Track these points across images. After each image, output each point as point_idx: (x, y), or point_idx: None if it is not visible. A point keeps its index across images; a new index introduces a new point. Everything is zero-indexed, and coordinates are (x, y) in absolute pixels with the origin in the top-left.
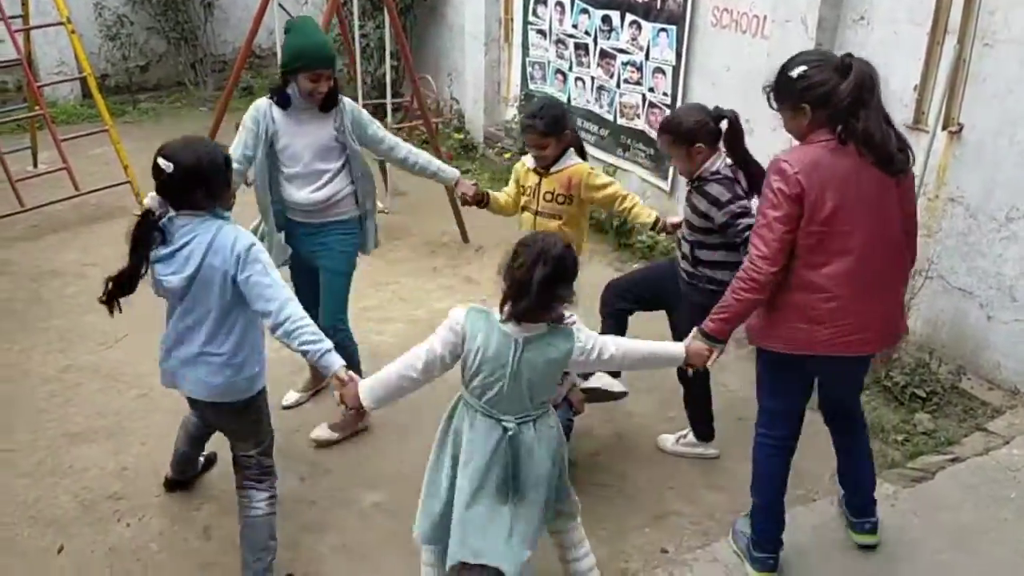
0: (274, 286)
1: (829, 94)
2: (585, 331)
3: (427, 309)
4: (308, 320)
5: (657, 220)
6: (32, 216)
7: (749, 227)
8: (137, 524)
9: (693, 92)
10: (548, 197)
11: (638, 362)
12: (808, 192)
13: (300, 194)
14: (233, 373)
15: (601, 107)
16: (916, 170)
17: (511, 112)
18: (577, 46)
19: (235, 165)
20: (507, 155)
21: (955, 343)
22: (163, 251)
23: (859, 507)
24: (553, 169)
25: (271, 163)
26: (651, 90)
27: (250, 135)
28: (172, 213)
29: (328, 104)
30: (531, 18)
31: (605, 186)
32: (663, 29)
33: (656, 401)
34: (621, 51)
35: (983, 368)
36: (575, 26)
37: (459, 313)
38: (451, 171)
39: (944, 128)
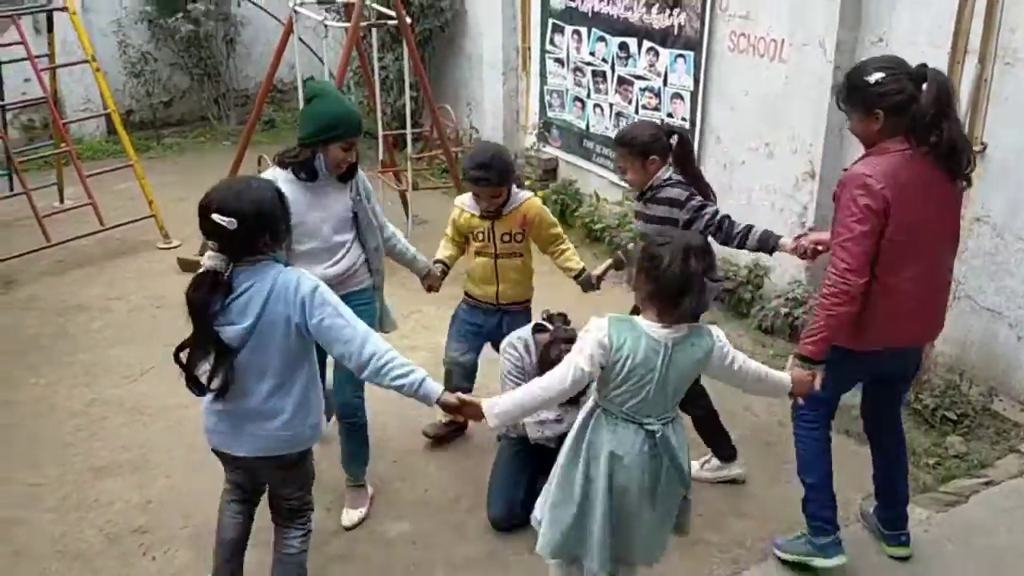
0: (349, 325)
1: (906, 103)
2: (719, 331)
3: (437, 341)
4: (393, 352)
5: (583, 271)
6: (58, 251)
7: (715, 216)
8: (163, 557)
9: (712, 117)
10: (506, 238)
11: (752, 383)
12: (893, 205)
13: (317, 270)
14: (300, 423)
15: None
16: None
17: (530, 140)
18: (595, 73)
19: None
20: (527, 182)
21: (985, 364)
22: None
23: (893, 520)
24: (506, 210)
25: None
26: (669, 115)
27: None
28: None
29: (350, 172)
30: (548, 47)
31: (555, 224)
32: (680, 55)
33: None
34: (639, 77)
35: (1015, 389)
36: (592, 54)
37: (602, 324)
38: (424, 263)
39: None
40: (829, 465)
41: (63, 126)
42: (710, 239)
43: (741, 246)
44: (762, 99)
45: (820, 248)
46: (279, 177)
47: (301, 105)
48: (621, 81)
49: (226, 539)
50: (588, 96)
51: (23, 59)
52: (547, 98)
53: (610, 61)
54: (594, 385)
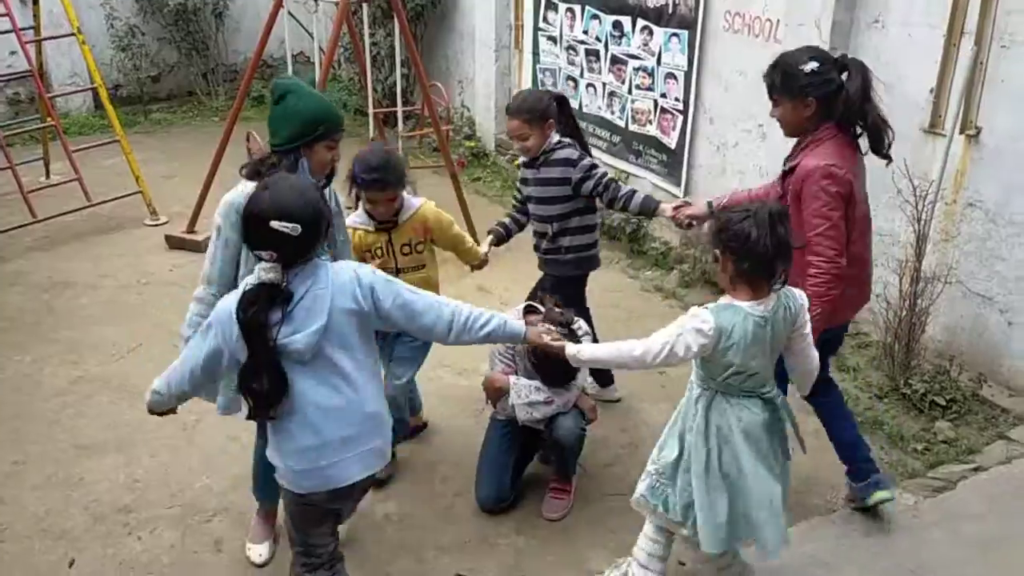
0: (419, 296)
1: (836, 91)
2: (801, 292)
3: None
4: (463, 304)
5: (482, 259)
6: (44, 227)
7: (603, 176)
8: (148, 537)
9: (705, 97)
10: (406, 250)
11: (798, 354)
12: (854, 184)
13: None
14: (389, 424)
15: (612, 113)
16: (934, 175)
17: None
18: (588, 52)
19: (214, 293)
20: (517, 162)
21: (975, 350)
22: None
23: (863, 471)
24: (403, 219)
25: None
26: (663, 95)
27: (230, 247)
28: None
29: (330, 176)
30: (541, 24)
31: (452, 223)
32: (675, 34)
33: (671, 410)
34: (632, 57)
35: (1004, 375)
36: (586, 32)
37: (706, 316)
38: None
39: (962, 132)
40: (852, 416)
41: (49, 100)
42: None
43: (624, 209)
44: (756, 80)
45: (695, 223)
46: (248, 191)
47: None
48: (615, 60)
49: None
50: (581, 75)
51: (8, 31)
52: (540, 76)
53: (604, 40)
54: (693, 375)
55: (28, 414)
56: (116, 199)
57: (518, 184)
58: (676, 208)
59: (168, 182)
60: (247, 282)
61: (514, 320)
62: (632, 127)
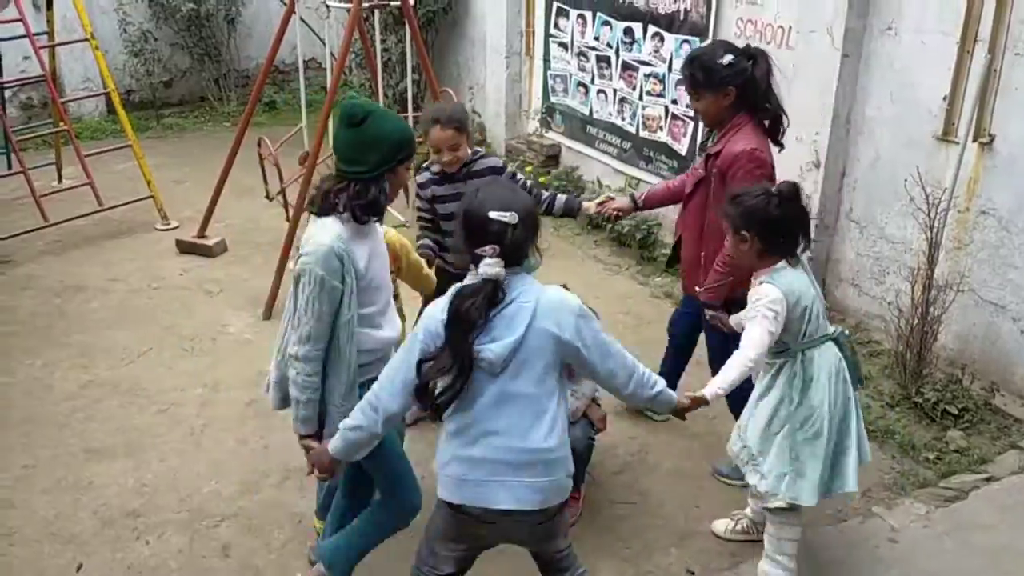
0: (611, 340)
1: (751, 79)
2: None
3: None
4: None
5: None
6: (56, 231)
7: (526, 182)
8: (156, 542)
9: None
10: None
11: None
12: (774, 167)
13: (381, 334)
14: (563, 466)
15: (623, 119)
16: (946, 182)
17: (532, 125)
18: (599, 58)
19: (319, 349)
20: (529, 168)
21: (987, 358)
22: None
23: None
24: None
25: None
26: (674, 102)
27: (334, 296)
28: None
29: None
30: (553, 31)
31: (411, 247)
32: (686, 40)
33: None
34: (643, 63)
35: (1017, 384)
36: (597, 38)
37: (770, 290)
38: None
39: (975, 139)
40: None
41: (62, 105)
42: None
43: (548, 212)
44: None
45: (620, 215)
46: (339, 231)
47: (335, 130)
48: (625, 66)
49: None
50: (592, 81)
51: (22, 36)
52: (550, 83)
53: (615, 46)
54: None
55: (39, 418)
56: (128, 204)
57: (426, 204)
58: (600, 204)
59: (179, 187)
60: (460, 285)
61: (670, 391)
62: (643, 133)
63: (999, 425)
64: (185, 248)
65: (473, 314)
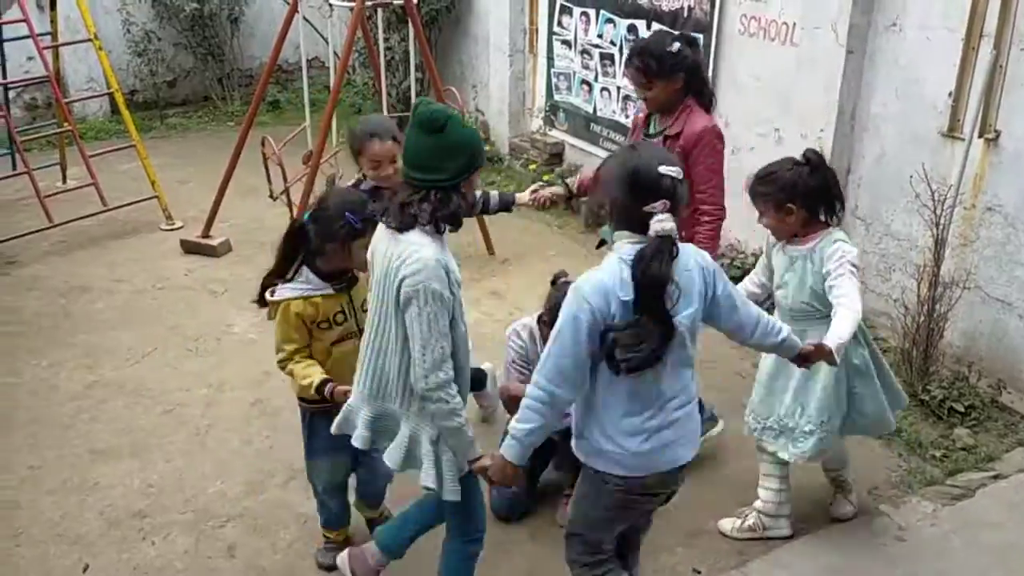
0: (736, 289)
1: (695, 63)
2: None
3: None
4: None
5: None
6: (60, 232)
7: None
8: (162, 542)
9: (720, 101)
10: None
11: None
12: None
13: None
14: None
15: (627, 117)
16: (952, 179)
17: (536, 123)
18: (603, 56)
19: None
20: (532, 166)
21: (994, 355)
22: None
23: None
24: (361, 273)
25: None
26: None
27: (448, 309)
28: None
29: None
30: (556, 28)
31: None
32: None
33: None
34: None
35: (1023, 381)
36: (600, 36)
37: (848, 247)
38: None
39: (980, 136)
40: None
41: (66, 105)
42: None
43: (485, 211)
44: (772, 83)
45: (555, 199)
46: (431, 242)
47: (416, 136)
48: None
49: None
50: (596, 79)
51: (26, 37)
52: (554, 81)
53: (618, 44)
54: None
55: (44, 419)
56: (132, 204)
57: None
58: (533, 192)
59: (184, 187)
60: (627, 252)
61: (794, 338)
62: None
63: (1006, 422)
64: (189, 248)
65: (663, 273)
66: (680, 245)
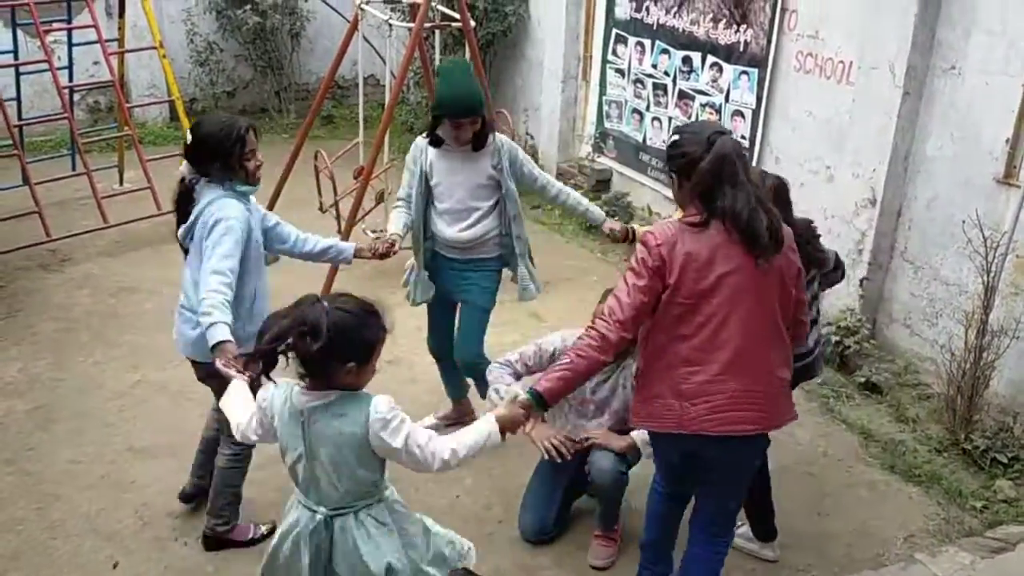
0: None
1: (688, 166)
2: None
3: (491, 343)
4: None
5: None
6: (114, 232)
7: None
8: (195, 544)
9: (772, 136)
10: None
11: None
12: (669, 265)
13: (450, 231)
14: None
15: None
16: (1006, 226)
17: (585, 150)
18: (656, 86)
19: (399, 205)
20: (579, 191)
21: None
22: None
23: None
24: None
25: (427, 199)
26: (729, 133)
27: (408, 174)
28: None
29: (477, 145)
30: (610, 57)
31: None
32: (744, 72)
33: None
34: (700, 92)
35: None
36: (655, 66)
37: None
38: (598, 212)
39: None
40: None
41: (127, 110)
42: None
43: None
44: (826, 121)
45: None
46: (424, 143)
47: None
48: (682, 95)
49: None
50: (647, 109)
51: (94, 42)
52: (605, 108)
53: (672, 74)
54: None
55: (88, 414)
56: None
57: None
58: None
59: None
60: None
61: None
62: None
63: None
64: None
65: None
66: None
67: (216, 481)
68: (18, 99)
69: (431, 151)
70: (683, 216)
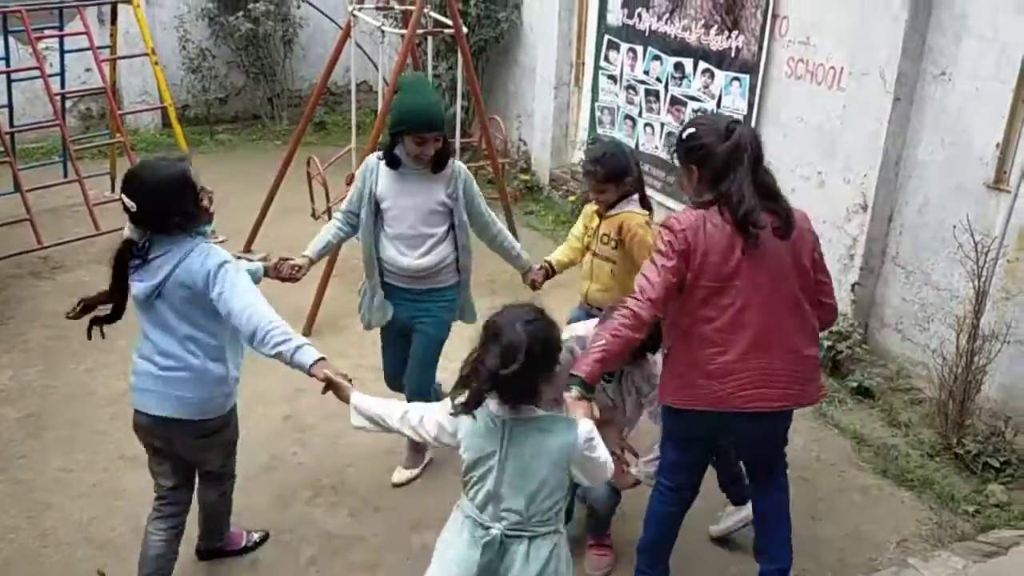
0: None
1: (708, 156)
2: None
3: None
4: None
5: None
6: (107, 240)
7: None
8: (185, 553)
9: (765, 142)
10: (604, 239)
11: None
12: (694, 248)
13: (404, 259)
14: None
15: (670, 153)
16: (996, 231)
17: (578, 155)
18: (648, 92)
19: (337, 217)
20: (572, 198)
21: None
22: None
23: None
24: (610, 212)
25: (375, 222)
26: None
27: (355, 190)
28: None
29: (438, 165)
30: (603, 63)
31: (646, 245)
32: (736, 78)
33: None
34: (692, 98)
35: None
36: (647, 72)
37: None
38: (526, 261)
39: None
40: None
41: (119, 117)
42: None
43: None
44: (817, 127)
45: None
46: (377, 161)
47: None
48: (674, 101)
49: None
50: (640, 115)
51: (86, 49)
52: (598, 114)
53: (664, 80)
54: None
55: (79, 422)
56: None
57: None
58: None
59: (228, 202)
60: None
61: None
62: None
63: None
64: None
65: None
66: None
67: (207, 512)
68: (9, 106)
69: (383, 172)
70: (697, 202)
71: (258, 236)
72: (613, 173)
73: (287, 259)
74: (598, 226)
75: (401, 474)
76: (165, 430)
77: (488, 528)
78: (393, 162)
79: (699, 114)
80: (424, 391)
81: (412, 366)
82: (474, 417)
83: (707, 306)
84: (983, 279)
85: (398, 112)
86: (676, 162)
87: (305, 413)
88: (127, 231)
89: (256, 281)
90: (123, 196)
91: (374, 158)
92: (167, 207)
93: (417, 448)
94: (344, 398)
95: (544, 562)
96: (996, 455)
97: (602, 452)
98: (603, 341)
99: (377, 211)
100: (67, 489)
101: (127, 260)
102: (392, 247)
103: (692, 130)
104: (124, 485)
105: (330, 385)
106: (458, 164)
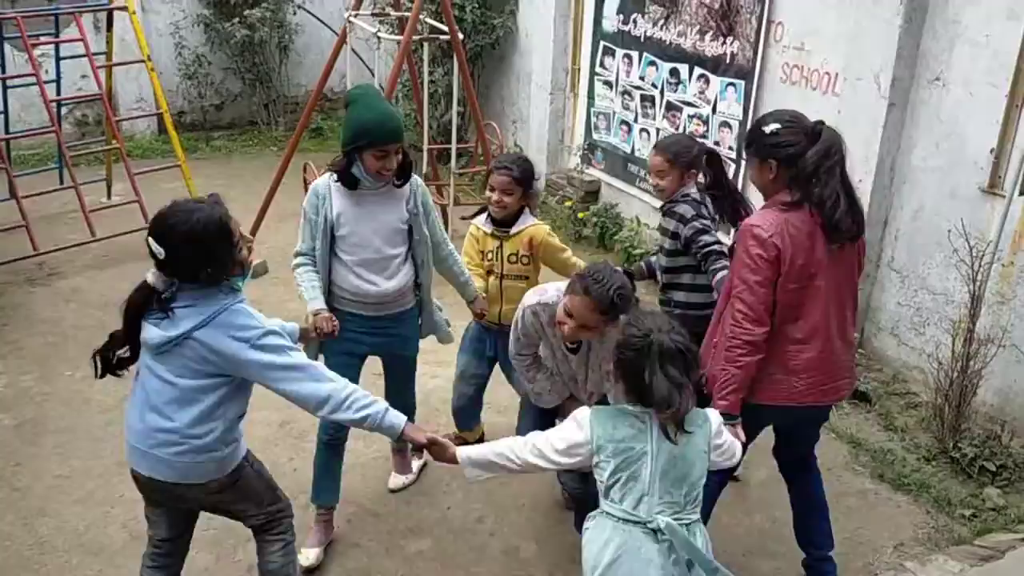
0: None
1: (796, 156)
2: None
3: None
4: None
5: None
6: (103, 246)
7: (708, 245)
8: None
9: None
10: (513, 259)
11: None
12: (784, 252)
13: (372, 288)
14: None
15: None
16: (991, 235)
17: (574, 161)
18: (643, 98)
19: (302, 262)
20: (568, 203)
21: None
22: None
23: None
24: (512, 231)
25: (330, 252)
26: (716, 144)
27: (308, 225)
28: None
29: (403, 177)
30: (598, 69)
31: (564, 249)
32: (731, 83)
33: None
34: (688, 104)
35: None
36: (642, 78)
37: None
38: (473, 289)
39: (1021, 193)
40: None
41: (115, 123)
42: None
43: (710, 283)
44: None
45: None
46: (328, 184)
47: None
48: (669, 107)
49: None
50: (635, 120)
51: (81, 55)
52: (593, 120)
53: (660, 86)
54: None
55: (75, 429)
56: None
57: None
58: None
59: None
60: None
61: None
62: None
63: None
64: None
65: None
66: None
67: None
68: (5, 112)
69: (336, 196)
70: (772, 200)
71: (255, 241)
72: (525, 178)
73: (317, 313)
74: (499, 247)
75: (397, 479)
76: (173, 491)
77: (649, 523)
78: (351, 182)
79: (778, 110)
80: (410, 410)
81: (395, 388)
82: (613, 426)
83: (791, 306)
84: (978, 283)
85: (356, 125)
86: (749, 154)
87: (300, 419)
88: (150, 277)
89: (293, 342)
90: (150, 240)
91: (323, 183)
92: (199, 256)
93: (403, 452)
94: (450, 458)
95: (703, 546)
96: (992, 459)
97: (728, 437)
98: (729, 375)
99: (332, 239)
100: (63, 496)
101: (143, 310)
102: (354, 276)
103: (777, 126)
104: (120, 492)
105: (433, 444)
106: (415, 177)
